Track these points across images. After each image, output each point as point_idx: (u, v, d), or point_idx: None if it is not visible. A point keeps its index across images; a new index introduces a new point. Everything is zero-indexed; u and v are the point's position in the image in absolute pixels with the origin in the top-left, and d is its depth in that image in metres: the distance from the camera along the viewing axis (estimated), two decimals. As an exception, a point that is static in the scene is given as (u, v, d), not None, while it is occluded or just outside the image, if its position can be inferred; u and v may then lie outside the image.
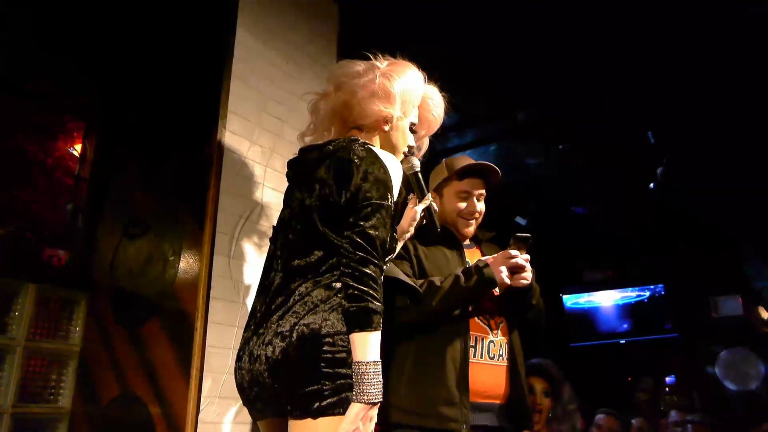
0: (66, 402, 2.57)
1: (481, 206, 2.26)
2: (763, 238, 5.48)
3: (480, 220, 2.28)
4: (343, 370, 1.42)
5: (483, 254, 2.25)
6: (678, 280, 6.11)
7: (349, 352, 1.43)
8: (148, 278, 2.43)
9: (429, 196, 1.96)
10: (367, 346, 1.40)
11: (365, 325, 1.40)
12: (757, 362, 5.46)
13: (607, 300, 6.45)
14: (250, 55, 2.50)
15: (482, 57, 3.53)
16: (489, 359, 2.06)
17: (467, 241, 2.30)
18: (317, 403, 1.39)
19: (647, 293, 6.26)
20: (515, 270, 2.05)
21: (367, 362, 1.39)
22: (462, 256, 2.21)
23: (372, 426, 1.42)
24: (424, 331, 2.04)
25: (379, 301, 1.43)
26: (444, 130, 2.09)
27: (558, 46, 3.43)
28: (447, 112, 1.99)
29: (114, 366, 2.44)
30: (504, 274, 2.01)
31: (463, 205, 2.23)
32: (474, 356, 2.03)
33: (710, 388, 5.60)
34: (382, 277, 1.50)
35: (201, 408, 2.06)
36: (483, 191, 2.27)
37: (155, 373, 2.26)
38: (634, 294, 6.33)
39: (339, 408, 1.40)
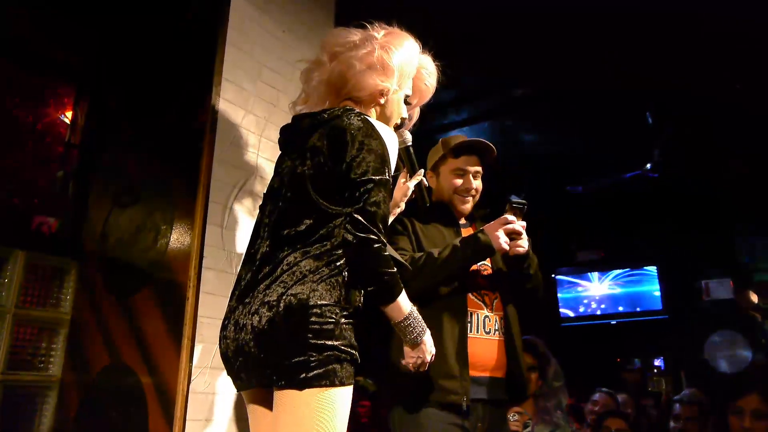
0: (56, 370, 2.56)
1: (477, 183, 2.25)
2: (755, 221, 5.48)
3: (477, 198, 2.27)
4: (331, 342, 1.39)
5: None
6: (670, 262, 6.13)
7: (336, 323, 1.41)
8: (140, 247, 2.40)
9: (421, 171, 1.94)
10: (399, 308, 1.53)
11: (390, 300, 1.51)
12: (744, 348, 5.48)
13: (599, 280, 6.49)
14: (245, 22, 2.44)
15: (479, 30, 3.48)
16: (485, 334, 2.07)
17: (462, 220, 2.30)
18: (303, 374, 1.36)
19: (639, 275, 6.29)
20: (512, 237, 2.04)
21: (405, 316, 1.55)
22: (458, 233, 2.20)
23: (429, 347, 1.64)
24: (423, 306, 2.02)
25: (391, 273, 1.48)
26: (440, 105, 2.05)
27: (556, 20, 3.38)
28: (443, 87, 1.95)
29: (105, 335, 2.42)
30: (502, 240, 2.01)
31: (458, 182, 2.23)
32: (470, 331, 2.04)
33: (700, 371, 5.63)
34: (386, 248, 1.50)
35: (192, 378, 2.05)
36: (478, 168, 2.26)
37: (146, 343, 2.24)
38: (627, 275, 6.36)
39: (325, 380, 1.37)
